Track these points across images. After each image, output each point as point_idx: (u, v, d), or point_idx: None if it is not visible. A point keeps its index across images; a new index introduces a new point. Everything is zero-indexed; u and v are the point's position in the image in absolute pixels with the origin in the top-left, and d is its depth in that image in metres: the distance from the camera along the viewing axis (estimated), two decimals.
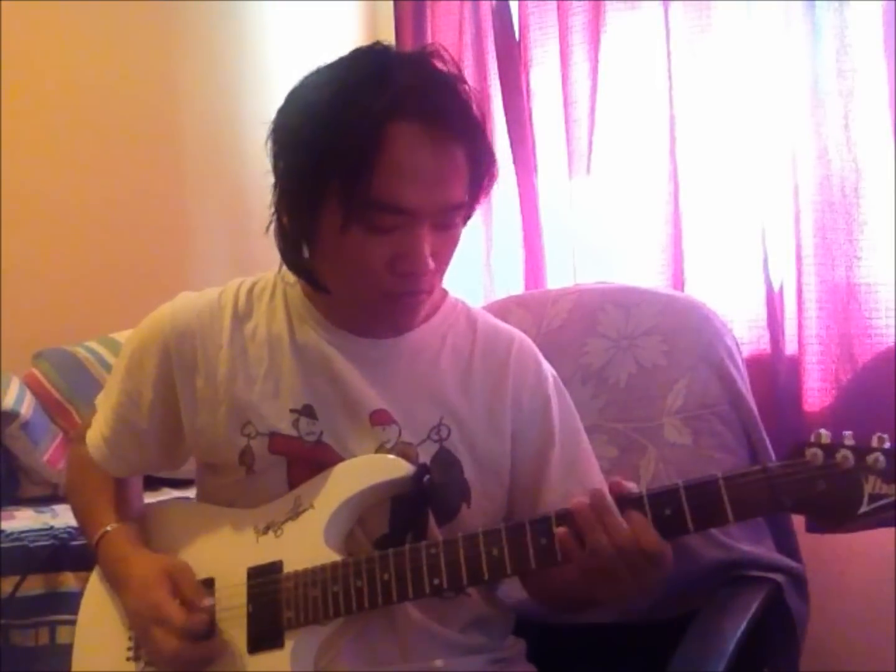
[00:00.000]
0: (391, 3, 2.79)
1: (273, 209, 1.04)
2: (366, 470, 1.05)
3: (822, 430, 0.89)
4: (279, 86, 0.99)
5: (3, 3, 2.65)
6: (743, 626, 1.17)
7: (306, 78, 1.03)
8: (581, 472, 1.13)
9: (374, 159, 0.94)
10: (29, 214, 2.70)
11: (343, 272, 1.03)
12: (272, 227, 1.05)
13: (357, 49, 1.03)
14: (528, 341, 1.18)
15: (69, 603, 1.86)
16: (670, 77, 2.11)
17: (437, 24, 2.64)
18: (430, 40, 2.65)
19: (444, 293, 1.17)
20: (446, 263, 1.06)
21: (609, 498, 0.93)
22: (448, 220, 1.01)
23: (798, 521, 1.41)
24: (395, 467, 1.04)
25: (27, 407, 2.35)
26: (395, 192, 0.96)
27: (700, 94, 2.08)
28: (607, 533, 0.91)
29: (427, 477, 1.04)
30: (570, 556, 0.94)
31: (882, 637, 1.82)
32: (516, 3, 2.48)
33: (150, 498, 1.34)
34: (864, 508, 0.86)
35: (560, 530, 0.94)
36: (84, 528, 1.22)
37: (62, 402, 2.47)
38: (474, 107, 1.02)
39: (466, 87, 1.02)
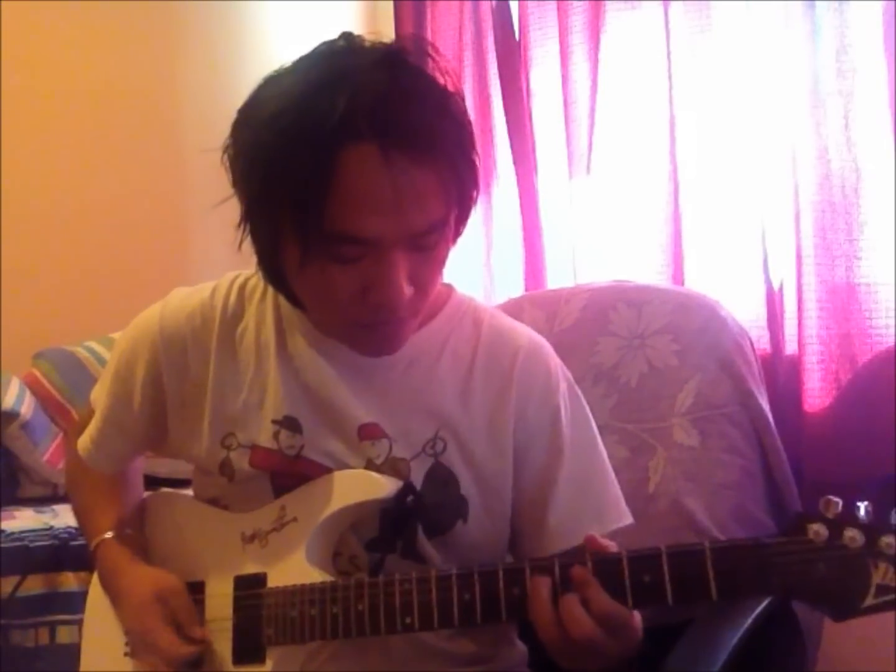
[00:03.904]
0: (391, 3, 2.79)
1: (240, 222, 0.95)
2: (349, 487, 1.00)
3: (832, 499, 0.77)
4: None
5: (3, 3, 2.65)
6: (742, 630, 1.14)
7: (264, 83, 0.92)
8: (594, 490, 1.06)
9: (325, 188, 0.85)
10: (29, 214, 2.70)
11: (311, 301, 0.97)
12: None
13: (320, 47, 0.92)
14: (539, 345, 1.08)
15: (69, 603, 1.86)
16: (670, 77, 2.11)
17: (437, 24, 2.64)
18: (430, 40, 2.65)
19: (450, 290, 1.09)
20: (431, 284, 0.96)
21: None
22: (424, 243, 0.90)
23: None
24: (378, 486, 0.99)
25: (27, 407, 2.35)
26: (353, 223, 0.86)
27: (700, 94, 2.08)
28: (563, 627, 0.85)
29: (410, 497, 0.99)
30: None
31: (882, 637, 1.82)
32: (516, 3, 2.48)
33: None
34: (869, 601, 0.74)
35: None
36: (83, 529, 1.21)
37: (62, 402, 2.47)
38: (454, 118, 0.90)
39: (444, 96, 0.90)
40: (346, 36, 0.93)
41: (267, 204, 0.90)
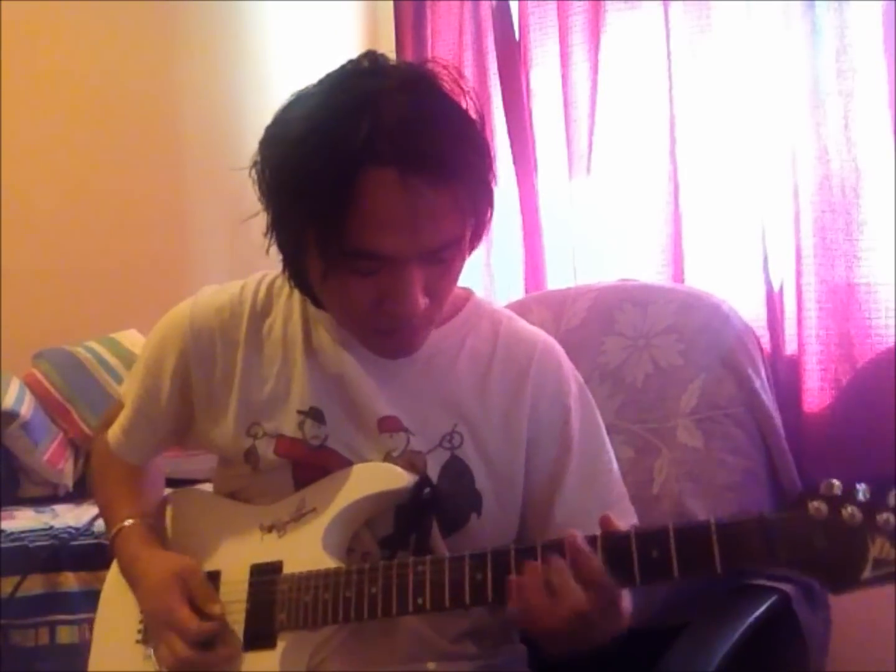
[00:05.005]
0: (391, 3, 2.79)
1: (266, 231, 1.00)
2: (367, 478, 1.04)
3: (834, 481, 0.80)
4: (279, 86, 0.98)
5: (3, 3, 2.66)
6: (739, 632, 1.14)
7: (291, 102, 0.97)
8: (600, 486, 1.09)
9: (346, 209, 0.89)
10: (29, 214, 2.70)
11: (333, 307, 1.03)
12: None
13: (345, 66, 0.96)
14: (554, 347, 1.13)
15: (69, 603, 1.87)
16: (670, 77, 2.11)
17: (437, 24, 2.64)
18: (429, 40, 2.65)
19: (469, 294, 1.14)
20: (446, 294, 1.01)
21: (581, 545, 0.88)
22: (439, 257, 0.95)
23: None
24: (395, 478, 1.02)
25: (27, 407, 2.35)
26: (371, 241, 0.91)
27: (700, 94, 2.08)
28: (582, 580, 0.87)
29: (427, 490, 1.02)
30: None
31: (882, 637, 1.82)
32: (516, 3, 2.49)
33: None
34: (867, 574, 0.77)
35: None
36: (105, 519, 1.24)
37: (62, 402, 2.47)
38: (472, 143, 0.95)
39: (464, 121, 0.95)
40: (370, 56, 0.96)
41: (291, 220, 0.95)
